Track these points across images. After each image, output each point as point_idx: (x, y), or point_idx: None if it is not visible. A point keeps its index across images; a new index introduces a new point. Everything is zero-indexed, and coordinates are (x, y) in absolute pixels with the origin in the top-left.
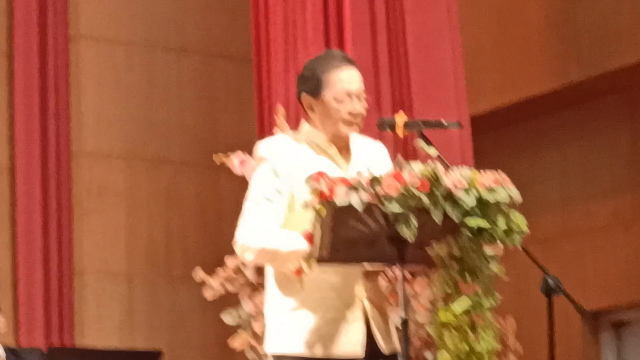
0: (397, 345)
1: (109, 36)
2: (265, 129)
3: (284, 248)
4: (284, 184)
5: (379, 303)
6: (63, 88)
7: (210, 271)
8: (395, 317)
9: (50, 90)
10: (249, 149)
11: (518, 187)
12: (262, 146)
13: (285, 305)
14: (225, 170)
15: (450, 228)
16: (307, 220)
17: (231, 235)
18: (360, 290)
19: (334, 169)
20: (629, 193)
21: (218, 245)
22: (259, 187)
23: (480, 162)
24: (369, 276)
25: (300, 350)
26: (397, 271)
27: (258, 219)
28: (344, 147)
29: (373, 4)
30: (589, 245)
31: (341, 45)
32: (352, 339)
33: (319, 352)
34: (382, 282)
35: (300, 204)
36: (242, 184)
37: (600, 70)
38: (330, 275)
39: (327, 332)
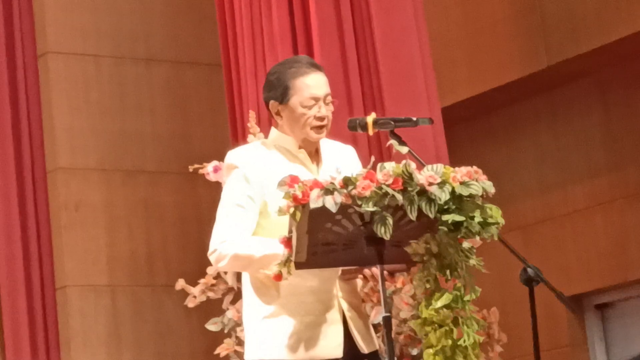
0: (377, 344)
1: (77, 50)
2: (238, 133)
3: (258, 253)
4: (255, 190)
5: (357, 303)
6: (34, 105)
7: (193, 278)
8: (376, 315)
9: (22, 107)
10: (223, 154)
11: (494, 176)
12: (232, 154)
13: (264, 312)
14: (202, 177)
15: (427, 225)
16: (281, 225)
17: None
18: (337, 292)
19: (305, 173)
20: (604, 175)
21: (199, 252)
22: (231, 194)
23: (455, 153)
24: (347, 277)
25: (280, 355)
26: (376, 271)
27: (231, 226)
28: (313, 152)
29: (339, 4)
30: (569, 229)
31: (309, 47)
32: (331, 341)
33: (298, 356)
34: (360, 281)
35: (275, 210)
36: (219, 189)
37: (568, 54)
38: (307, 279)
39: (306, 336)
